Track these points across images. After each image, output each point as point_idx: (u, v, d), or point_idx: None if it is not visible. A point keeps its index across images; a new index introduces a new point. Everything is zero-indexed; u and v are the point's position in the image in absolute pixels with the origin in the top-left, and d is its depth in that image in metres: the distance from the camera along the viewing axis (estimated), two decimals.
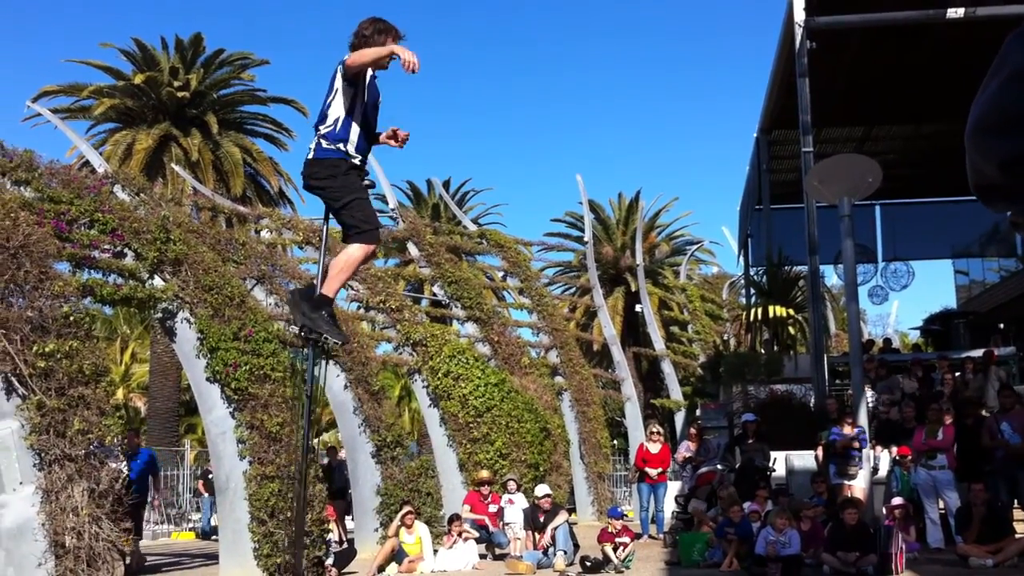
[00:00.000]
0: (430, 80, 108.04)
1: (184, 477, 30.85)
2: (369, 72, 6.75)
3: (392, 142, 7.12)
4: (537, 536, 16.31)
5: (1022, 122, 1.57)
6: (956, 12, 17.96)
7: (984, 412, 16.35)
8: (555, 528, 15.95)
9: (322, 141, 6.69)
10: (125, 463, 14.56)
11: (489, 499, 18.06)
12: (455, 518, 16.45)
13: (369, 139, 6.89)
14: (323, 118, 6.73)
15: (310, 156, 6.76)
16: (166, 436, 35.38)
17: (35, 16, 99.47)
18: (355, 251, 6.72)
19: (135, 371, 49.60)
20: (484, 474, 18.61)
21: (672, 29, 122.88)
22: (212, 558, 17.26)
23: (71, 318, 12.41)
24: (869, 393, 18.04)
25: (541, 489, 17.09)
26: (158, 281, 14.69)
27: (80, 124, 35.92)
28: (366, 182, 6.82)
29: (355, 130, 6.69)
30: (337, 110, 6.68)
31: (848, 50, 20.80)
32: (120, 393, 45.22)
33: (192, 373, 15.00)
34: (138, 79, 35.69)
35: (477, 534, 16.91)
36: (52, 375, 11.86)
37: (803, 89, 19.20)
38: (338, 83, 6.69)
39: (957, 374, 19.62)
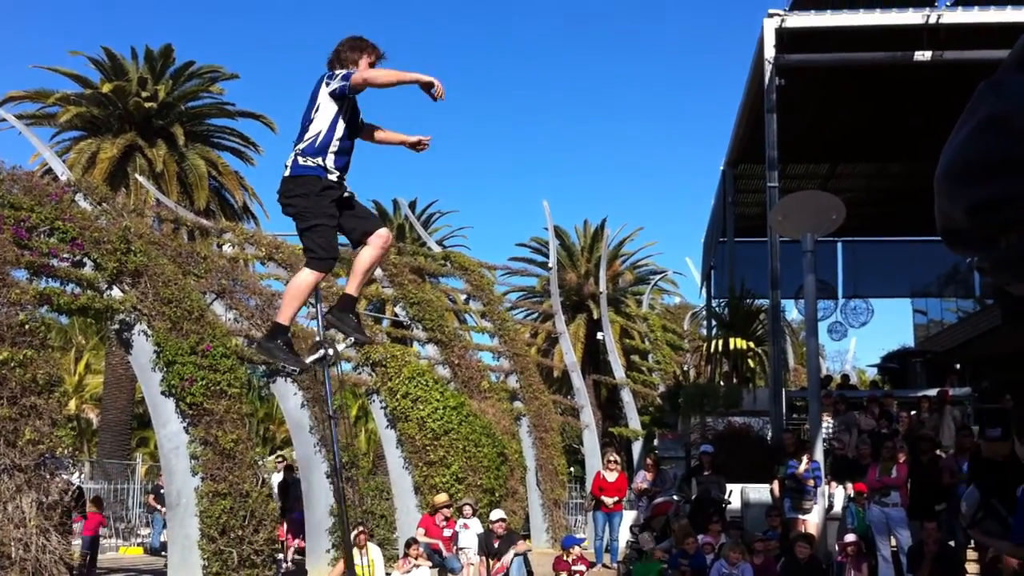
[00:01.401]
0: (398, 102, 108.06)
1: (135, 491, 30.44)
2: None
3: (413, 148, 7.02)
4: (491, 562, 16.19)
5: (989, 170, 1.57)
6: (924, 55, 18.23)
7: (938, 452, 16.44)
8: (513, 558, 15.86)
9: (299, 157, 6.54)
10: (76, 475, 14.40)
11: (446, 524, 17.92)
12: (412, 542, 16.30)
13: (349, 155, 6.75)
14: (303, 133, 6.59)
15: (286, 174, 6.60)
16: (118, 449, 34.94)
17: (2, 21, 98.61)
18: (306, 277, 6.62)
19: (89, 382, 48.95)
20: (442, 498, 18.44)
21: (642, 62, 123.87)
22: (160, 575, 17.04)
23: (26, 326, 12.27)
24: (827, 423, 18.14)
25: (495, 513, 16.99)
26: (116, 292, 14.55)
27: (45, 131, 35.59)
28: (346, 194, 6.71)
29: (335, 145, 6.57)
30: (319, 124, 6.54)
31: (816, 88, 20.99)
32: (73, 404, 44.59)
33: (147, 386, 14.85)
34: (106, 88, 35.42)
35: (430, 561, 16.76)
36: (4, 384, 11.70)
37: (771, 125, 19.34)
38: (321, 98, 6.55)
39: (913, 412, 19.72)
